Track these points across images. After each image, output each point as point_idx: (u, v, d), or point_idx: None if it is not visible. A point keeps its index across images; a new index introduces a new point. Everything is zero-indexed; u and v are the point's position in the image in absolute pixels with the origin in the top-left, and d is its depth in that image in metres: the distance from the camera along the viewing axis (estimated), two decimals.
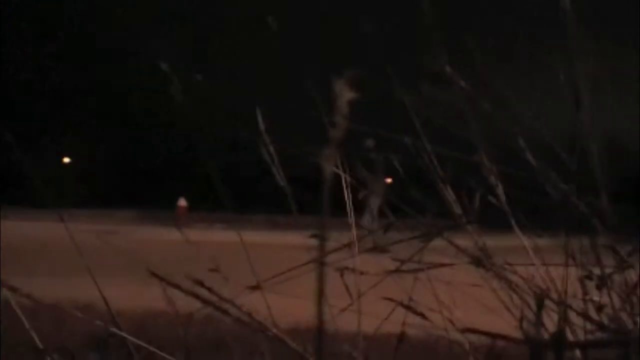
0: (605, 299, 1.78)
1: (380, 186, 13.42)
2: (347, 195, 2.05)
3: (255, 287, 1.86)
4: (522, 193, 1.94)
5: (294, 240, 1.90)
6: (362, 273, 1.93)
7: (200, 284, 1.73)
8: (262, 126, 1.90)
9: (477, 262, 1.86)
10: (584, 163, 1.85)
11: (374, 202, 13.37)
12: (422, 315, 1.95)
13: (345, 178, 2.02)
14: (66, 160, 47.31)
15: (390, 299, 1.95)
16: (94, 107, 46.20)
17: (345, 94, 1.02)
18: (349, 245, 1.94)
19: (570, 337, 1.71)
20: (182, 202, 28.68)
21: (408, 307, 1.93)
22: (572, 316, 1.74)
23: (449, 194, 1.97)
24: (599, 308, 1.76)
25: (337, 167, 1.94)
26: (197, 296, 1.69)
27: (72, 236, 1.92)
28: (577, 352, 1.68)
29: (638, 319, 1.74)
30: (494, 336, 1.58)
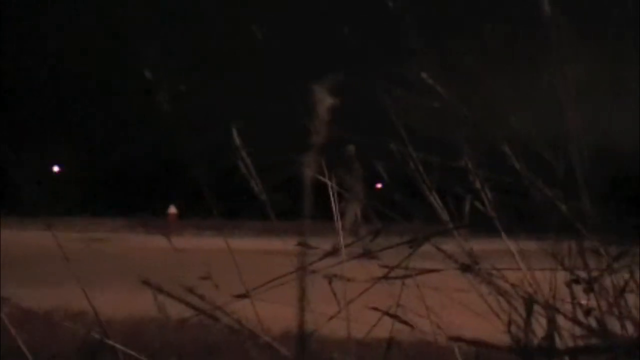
0: (593, 303, 1.78)
1: (359, 192, 13.43)
2: (332, 201, 2.05)
3: (244, 296, 1.86)
4: (508, 197, 1.95)
5: (285, 246, 1.91)
6: (349, 280, 1.94)
7: (191, 291, 1.73)
8: (237, 142, 1.90)
9: (465, 268, 1.86)
10: (571, 166, 1.85)
11: (354, 208, 13.38)
12: (409, 324, 1.95)
13: (329, 184, 2.02)
14: (56, 169, 47.14)
15: (377, 309, 1.95)
16: (83, 115, 46.07)
17: (326, 100, 1.02)
18: (336, 252, 1.95)
19: (558, 341, 1.72)
20: (173, 210, 28.60)
21: (395, 316, 1.93)
22: (560, 320, 1.75)
23: (436, 200, 1.97)
24: (587, 312, 1.77)
25: (320, 173, 1.95)
26: (188, 304, 1.70)
27: (60, 245, 1.93)
28: (566, 358, 1.68)
29: (626, 323, 1.75)
30: (481, 345, 1.58)
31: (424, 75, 1.99)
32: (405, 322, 1.94)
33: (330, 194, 2.05)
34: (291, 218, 2.01)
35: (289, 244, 1.82)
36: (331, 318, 1.91)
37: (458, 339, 1.62)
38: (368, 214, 2.11)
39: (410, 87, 2.02)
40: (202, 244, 11.37)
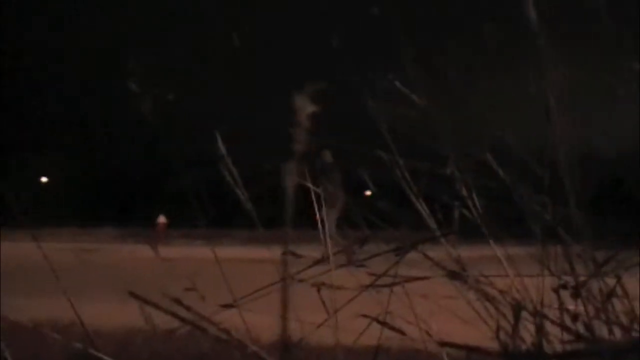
0: (580, 308, 1.79)
1: (338, 198, 13.26)
2: (316, 209, 2.05)
3: (230, 306, 1.86)
4: (495, 204, 1.95)
5: (273, 255, 1.90)
6: (337, 288, 1.93)
7: (179, 302, 1.73)
8: (222, 150, 1.90)
9: (453, 275, 1.86)
10: (558, 172, 1.85)
11: (333, 215, 13.24)
12: (398, 331, 1.95)
13: (313, 191, 2.02)
14: (44, 179, 47.02)
15: (366, 316, 1.95)
16: (72, 125, 45.93)
17: (307, 108, 1.02)
18: (324, 260, 1.94)
19: (546, 346, 1.72)
20: (162, 219, 28.59)
21: (384, 323, 1.93)
22: (548, 326, 1.75)
23: (422, 207, 1.97)
24: (575, 317, 1.77)
25: (304, 180, 1.94)
26: (175, 315, 1.69)
27: (48, 256, 1.92)
28: None
29: (614, 328, 1.75)
30: (470, 349, 1.58)
31: (402, 86, 1.99)
32: (394, 329, 1.94)
33: (314, 201, 2.04)
34: (279, 226, 2.01)
35: (277, 252, 1.82)
36: (319, 326, 1.90)
37: (448, 344, 1.62)
38: (351, 221, 2.11)
39: (397, 94, 2.03)
40: (191, 254, 11.33)
